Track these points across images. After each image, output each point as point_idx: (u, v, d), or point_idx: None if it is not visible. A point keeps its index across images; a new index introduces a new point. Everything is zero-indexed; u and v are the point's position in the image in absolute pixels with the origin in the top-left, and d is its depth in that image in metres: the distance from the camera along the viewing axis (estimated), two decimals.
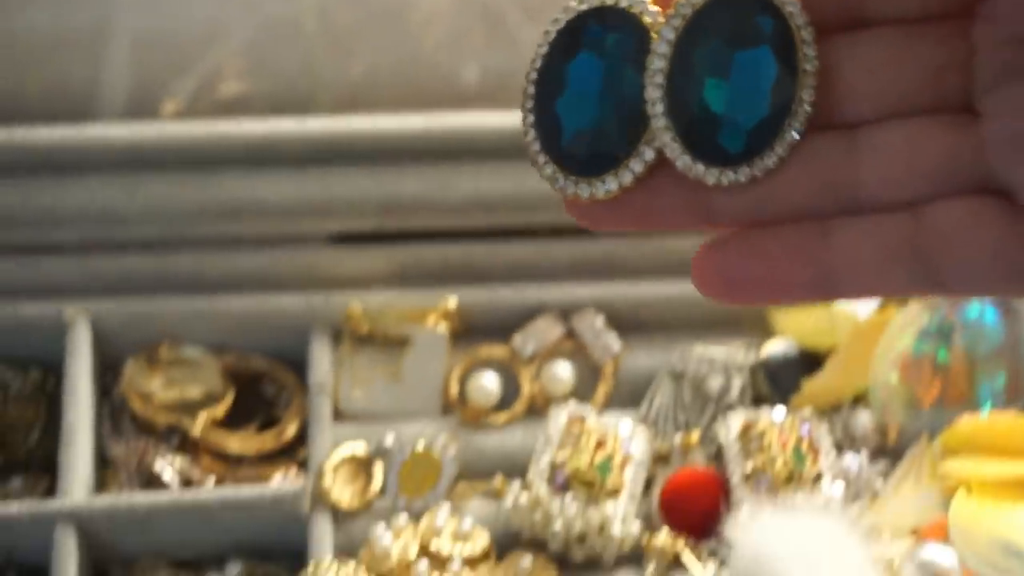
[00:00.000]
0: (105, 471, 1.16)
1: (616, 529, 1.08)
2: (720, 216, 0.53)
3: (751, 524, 1.04)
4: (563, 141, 0.54)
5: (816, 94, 0.52)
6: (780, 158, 0.52)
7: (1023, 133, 0.50)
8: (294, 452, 1.17)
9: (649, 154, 0.53)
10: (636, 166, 0.53)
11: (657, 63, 0.53)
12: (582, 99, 0.53)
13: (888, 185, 0.52)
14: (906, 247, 0.51)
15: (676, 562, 1.09)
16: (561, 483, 1.10)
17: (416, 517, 1.11)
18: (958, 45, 0.52)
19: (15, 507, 1.11)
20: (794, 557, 1.01)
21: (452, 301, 1.19)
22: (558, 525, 1.09)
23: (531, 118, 0.54)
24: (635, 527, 1.09)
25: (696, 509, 1.09)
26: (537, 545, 1.10)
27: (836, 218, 0.52)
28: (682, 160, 0.52)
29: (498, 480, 1.12)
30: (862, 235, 0.51)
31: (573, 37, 0.54)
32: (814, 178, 0.52)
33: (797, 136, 0.52)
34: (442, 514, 1.10)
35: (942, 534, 1.07)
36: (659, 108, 0.53)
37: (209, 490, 1.12)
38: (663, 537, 1.09)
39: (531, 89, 0.54)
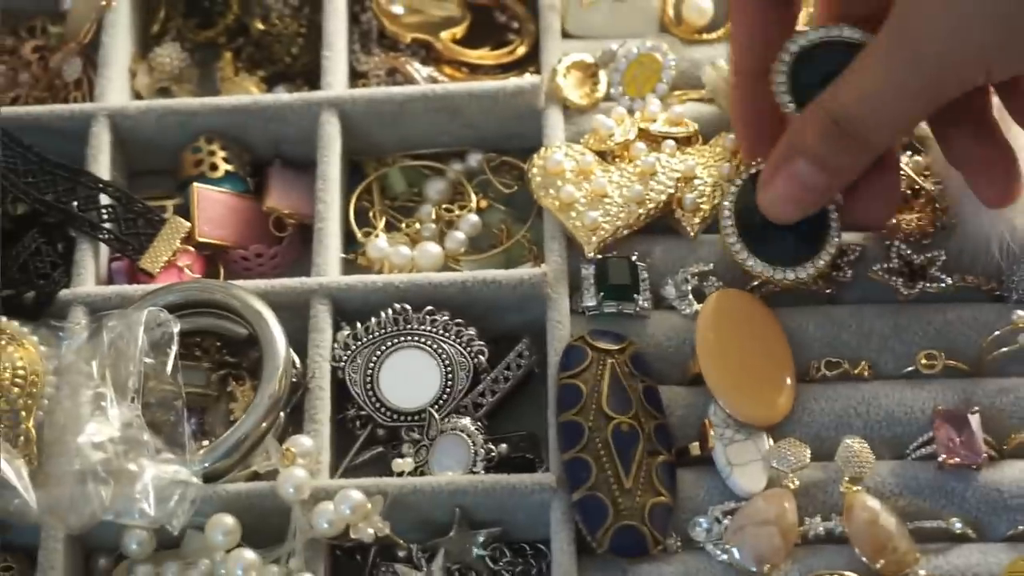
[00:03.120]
0: (355, 83, 1.30)
1: None
2: None
3: None
4: None
5: None
6: None
7: None
8: (526, 67, 1.30)
9: None
10: None
11: None
12: None
13: None
14: None
15: None
16: None
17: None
18: None
19: (287, 96, 1.25)
20: None
21: None
22: None
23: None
24: None
25: None
26: None
27: None
28: None
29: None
30: None
31: None
32: None
33: None
34: (655, 104, 1.23)
35: None
36: None
37: (456, 84, 1.26)
38: None
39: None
